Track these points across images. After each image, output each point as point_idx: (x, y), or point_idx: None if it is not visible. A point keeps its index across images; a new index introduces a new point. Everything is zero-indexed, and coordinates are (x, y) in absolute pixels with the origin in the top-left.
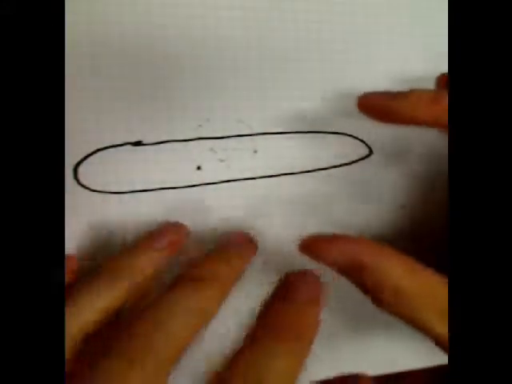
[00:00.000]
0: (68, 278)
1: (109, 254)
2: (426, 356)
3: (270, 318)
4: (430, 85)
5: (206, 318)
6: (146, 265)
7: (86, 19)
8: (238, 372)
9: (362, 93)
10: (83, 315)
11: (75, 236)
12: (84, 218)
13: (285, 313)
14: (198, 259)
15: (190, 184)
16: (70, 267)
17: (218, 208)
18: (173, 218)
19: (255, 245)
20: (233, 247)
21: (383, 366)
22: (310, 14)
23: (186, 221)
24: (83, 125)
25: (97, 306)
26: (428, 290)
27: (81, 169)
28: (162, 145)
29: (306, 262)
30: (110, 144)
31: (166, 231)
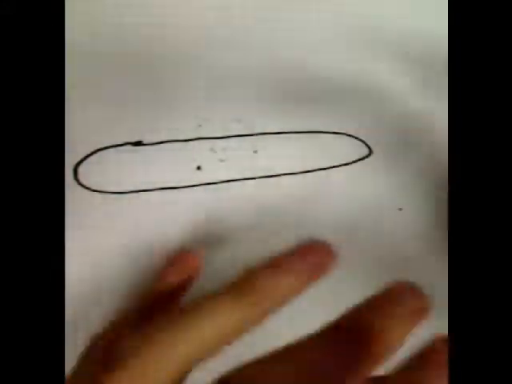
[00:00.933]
0: (188, 275)
1: (108, 254)
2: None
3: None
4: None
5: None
6: (287, 288)
7: (86, 19)
8: None
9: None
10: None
11: (75, 236)
12: (84, 218)
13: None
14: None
15: (190, 184)
16: (191, 264)
17: (218, 208)
18: (173, 218)
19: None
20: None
21: (383, 366)
22: (309, 14)
23: (186, 221)
24: (83, 125)
25: (219, 324)
26: None
27: (81, 169)
28: (162, 145)
29: None
30: (110, 144)
31: (309, 251)
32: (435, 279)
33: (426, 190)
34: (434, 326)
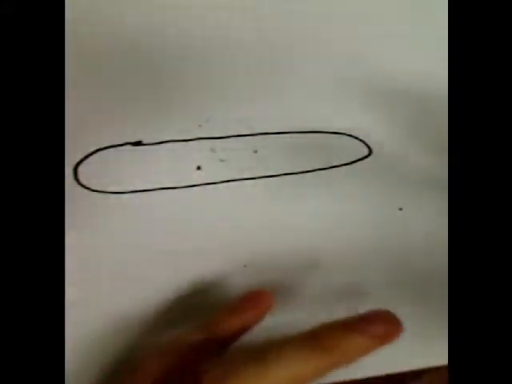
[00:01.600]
0: (258, 316)
1: (108, 254)
2: (426, 356)
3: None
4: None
5: None
6: (360, 348)
7: (86, 19)
8: None
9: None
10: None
11: (75, 236)
12: (84, 218)
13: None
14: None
15: (190, 184)
16: (267, 303)
17: (218, 208)
18: (173, 218)
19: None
20: None
21: (383, 366)
22: (309, 14)
23: (186, 221)
24: (83, 125)
25: (299, 373)
26: None
27: (81, 169)
28: (162, 145)
29: (305, 263)
30: (110, 144)
31: (383, 319)
32: (435, 279)
33: (426, 189)
34: (433, 325)
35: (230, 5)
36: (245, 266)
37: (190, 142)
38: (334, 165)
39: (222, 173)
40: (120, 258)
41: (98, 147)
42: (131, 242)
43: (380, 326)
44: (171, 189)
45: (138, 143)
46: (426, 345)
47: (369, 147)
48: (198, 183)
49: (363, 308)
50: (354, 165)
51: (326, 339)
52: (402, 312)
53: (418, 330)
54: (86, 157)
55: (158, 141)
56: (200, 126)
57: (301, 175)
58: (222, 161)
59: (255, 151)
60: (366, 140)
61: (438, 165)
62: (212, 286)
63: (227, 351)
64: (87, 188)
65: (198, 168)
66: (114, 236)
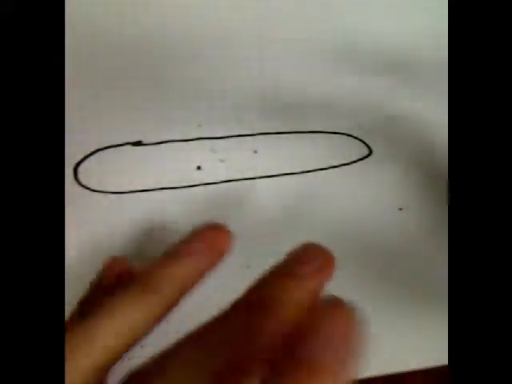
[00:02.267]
0: (111, 280)
1: (108, 254)
2: (426, 356)
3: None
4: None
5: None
6: (185, 275)
7: (86, 19)
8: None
9: None
10: (111, 330)
11: (75, 236)
12: (84, 218)
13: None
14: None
15: (190, 184)
16: (116, 268)
17: (218, 208)
18: (172, 218)
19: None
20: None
21: (383, 366)
22: (310, 14)
23: (186, 221)
24: (83, 125)
25: (128, 319)
26: None
27: (81, 169)
28: (161, 145)
29: None
30: (110, 144)
31: (205, 234)
32: (435, 279)
33: (426, 189)
34: (433, 326)
35: (229, 5)
36: (246, 267)
37: (190, 141)
38: (334, 165)
39: (222, 173)
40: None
41: (98, 147)
42: (131, 242)
43: (200, 244)
44: (171, 189)
45: (138, 143)
46: (426, 345)
47: (369, 147)
48: (198, 183)
49: (363, 307)
50: (353, 165)
51: (147, 278)
52: (402, 312)
53: (418, 330)
54: (86, 157)
55: (158, 141)
56: (200, 126)
57: (301, 175)
58: (221, 161)
59: (255, 151)
60: (365, 140)
61: (437, 165)
62: (212, 286)
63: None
64: (87, 188)
65: (198, 168)
66: (114, 236)
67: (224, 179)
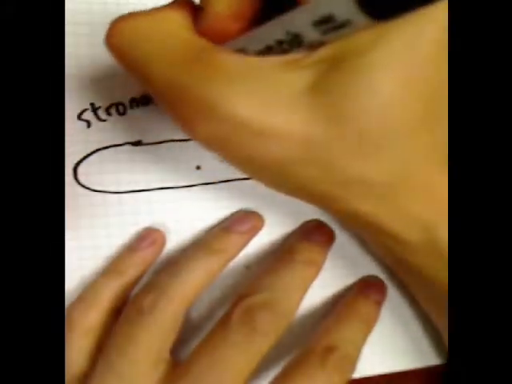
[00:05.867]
0: (155, 253)
1: (108, 254)
2: (425, 356)
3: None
4: None
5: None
6: (236, 245)
7: (86, 19)
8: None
9: None
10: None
11: (75, 236)
12: (84, 218)
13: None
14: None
15: (190, 184)
16: (157, 242)
17: (218, 208)
18: (172, 218)
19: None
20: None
21: (383, 366)
22: None
23: (186, 221)
24: (83, 124)
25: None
26: None
27: (81, 169)
28: (161, 145)
29: None
30: (110, 144)
31: (248, 217)
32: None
33: None
34: (433, 326)
35: None
36: (246, 267)
37: (190, 141)
38: None
39: (221, 173)
40: None
41: (97, 147)
42: (131, 241)
43: (247, 223)
44: (171, 189)
45: (138, 143)
46: (425, 345)
47: None
48: (198, 183)
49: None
50: None
51: (213, 243)
52: (402, 312)
53: (418, 330)
54: (86, 157)
55: (157, 141)
56: None
57: None
58: (221, 161)
59: None
60: None
61: None
62: (212, 286)
63: None
64: (87, 188)
65: (198, 168)
66: (113, 236)
67: (224, 179)
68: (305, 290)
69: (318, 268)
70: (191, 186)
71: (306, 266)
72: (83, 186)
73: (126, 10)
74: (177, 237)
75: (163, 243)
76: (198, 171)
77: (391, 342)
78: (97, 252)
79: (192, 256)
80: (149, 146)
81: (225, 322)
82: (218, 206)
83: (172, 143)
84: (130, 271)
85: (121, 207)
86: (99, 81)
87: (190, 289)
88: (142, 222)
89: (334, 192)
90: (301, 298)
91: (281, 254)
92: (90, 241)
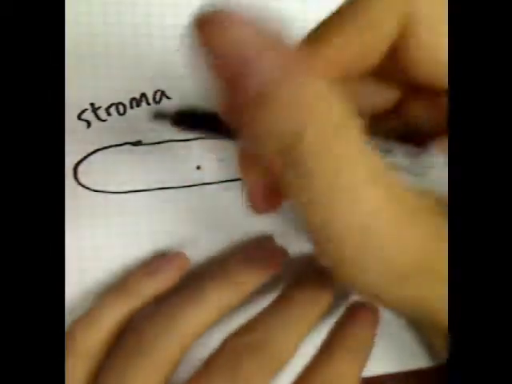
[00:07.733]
0: (175, 276)
1: (108, 254)
2: (425, 356)
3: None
4: None
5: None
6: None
7: (86, 19)
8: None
9: None
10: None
11: (75, 236)
12: (84, 218)
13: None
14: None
15: (190, 184)
16: (179, 265)
17: (218, 208)
18: (173, 218)
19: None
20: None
21: (383, 366)
22: (309, 13)
23: (186, 221)
24: (83, 125)
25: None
26: None
27: (81, 169)
28: (161, 144)
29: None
30: (110, 144)
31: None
32: None
33: (426, 189)
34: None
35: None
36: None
37: (190, 141)
38: None
39: (222, 173)
40: (120, 257)
41: (97, 147)
42: (131, 242)
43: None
44: (171, 189)
45: (138, 143)
46: (425, 345)
47: None
48: (198, 183)
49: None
50: None
51: (235, 276)
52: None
53: (418, 330)
54: (86, 157)
55: (157, 141)
56: None
57: None
58: (221, 161)
59: None
60: None
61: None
62: None
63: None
64: (87, 188)
65: (198, 168)
66: (113, 236)
67: (224, 179)
68: (304, 329)
69: (321, 307)
70: (191, 186)
71: (308, 304)
72: (83, 186)
73: (125, 10)
74: (177, 237)
75: (187, 269)
76: (198, 171)
77: (391, 341)
78: (97, 252)
79: (206, 287)
80: (149, 146)
81: (210, 364)
82: (218, 206)
83: (172, 143)
84: (145, 295)
85: (121, 207)
86: (99, 81)
87: (196, 326)
88: (142, 222)
89: None
90: (299, 339)
91: (283, 290)
92: (90, 241)
